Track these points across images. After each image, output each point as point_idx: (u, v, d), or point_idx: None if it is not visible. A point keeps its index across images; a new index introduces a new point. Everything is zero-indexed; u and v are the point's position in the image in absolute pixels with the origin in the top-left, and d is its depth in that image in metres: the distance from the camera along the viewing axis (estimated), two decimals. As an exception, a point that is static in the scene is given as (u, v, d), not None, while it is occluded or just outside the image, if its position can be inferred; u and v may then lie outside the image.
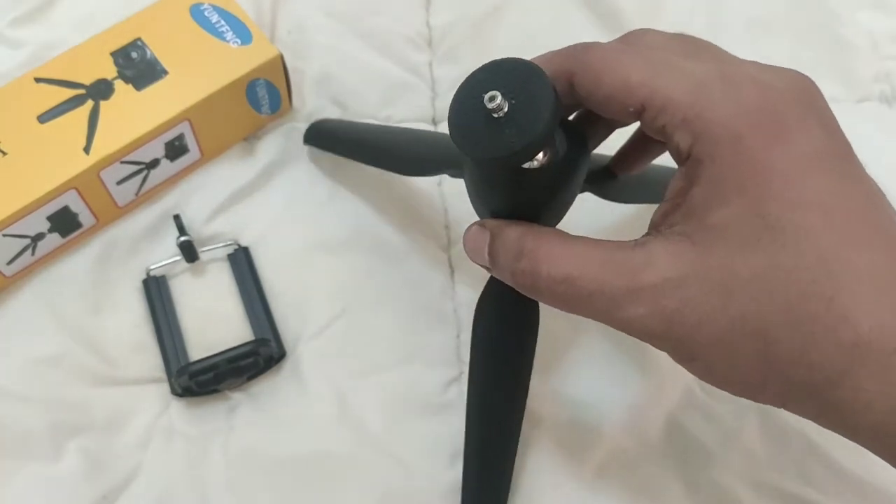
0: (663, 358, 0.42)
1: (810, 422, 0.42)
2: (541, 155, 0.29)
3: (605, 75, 0.28)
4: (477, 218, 0.36)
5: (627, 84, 0.28)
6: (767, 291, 0.26)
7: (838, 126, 0.28)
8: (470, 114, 0.28)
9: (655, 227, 0.29)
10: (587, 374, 0.45)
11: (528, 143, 0.27)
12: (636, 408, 0.44)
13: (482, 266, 0.32)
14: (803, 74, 0.29)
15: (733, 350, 0.27)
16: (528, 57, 0.52)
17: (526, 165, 0.29)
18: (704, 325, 0.27)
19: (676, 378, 0.44)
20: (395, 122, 0.51)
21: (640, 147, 0.37)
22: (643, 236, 0.29)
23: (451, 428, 0.43)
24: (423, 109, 0.52)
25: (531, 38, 0.53)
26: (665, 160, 0.50)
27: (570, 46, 0.30)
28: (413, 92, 0.52)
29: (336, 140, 0.49)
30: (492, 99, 0.27)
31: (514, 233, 0.30)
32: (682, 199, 0.28)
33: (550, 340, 0.41)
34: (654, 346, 0.29)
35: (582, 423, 0.44)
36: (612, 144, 0.43)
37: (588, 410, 0.44)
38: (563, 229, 0.35)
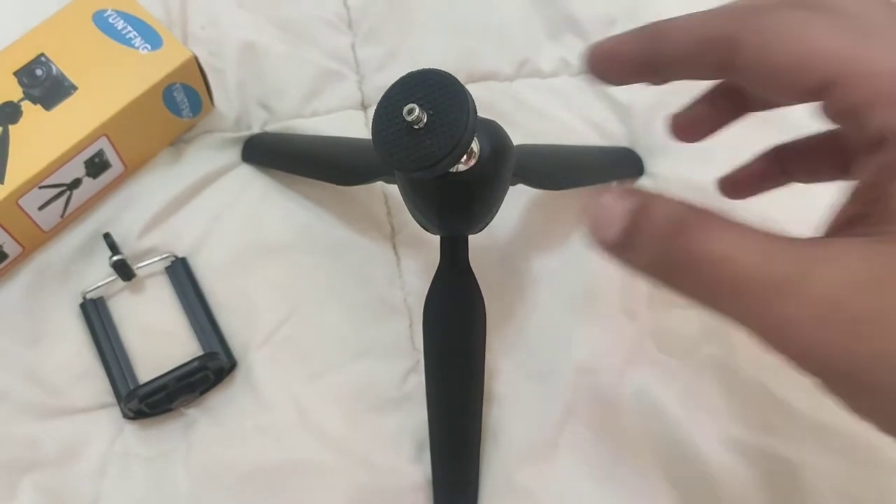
0: (608, 308, 0.41)
1: (769, 371, 0.43)
2: (465, 157, 0.30)
3: (784, 43, 0.23)
4: (414, 223, 0.36)
5: (812, 54, 0.23)
6: None
7: None
8: (392, 128, 0.29)
9: (834, 230, 0.24)
10: (538, 344, 0.44)
11: (449, 150, 0.28)
12: (595, 373, 0.44)
13: (600, 244, 0.26)
14: None
15: None
16: (448, 31, 0.51)
17: (453, 169, 0.30)
18: None
19: (626, 331, 0.44)
20: (324, 113, 0.50)
21: (767, 171, 0.32)
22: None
23: (413, 419, 0.43)
24: (350, 96, 0.50)
25: (451, 10, 0.52)
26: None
27: (731, 6, 0.26)
28: (339, 78, 0.50)
29: (272, 155, 0.48)
30: (410, 112, 0.28)
31: (671, 204, 0.25)
32: (877, 194, 0.23)
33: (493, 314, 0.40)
34: (808, 370, 0.22)
35: (543, 394, 0.43)
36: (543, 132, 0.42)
37: (547, 382, 0.44)
38: (495, 224, 0.35)
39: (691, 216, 0.24)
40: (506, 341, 0.44)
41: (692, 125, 0.32)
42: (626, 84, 0.29)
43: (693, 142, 0.33)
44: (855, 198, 0.24)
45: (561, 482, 0.42)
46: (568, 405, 0.43)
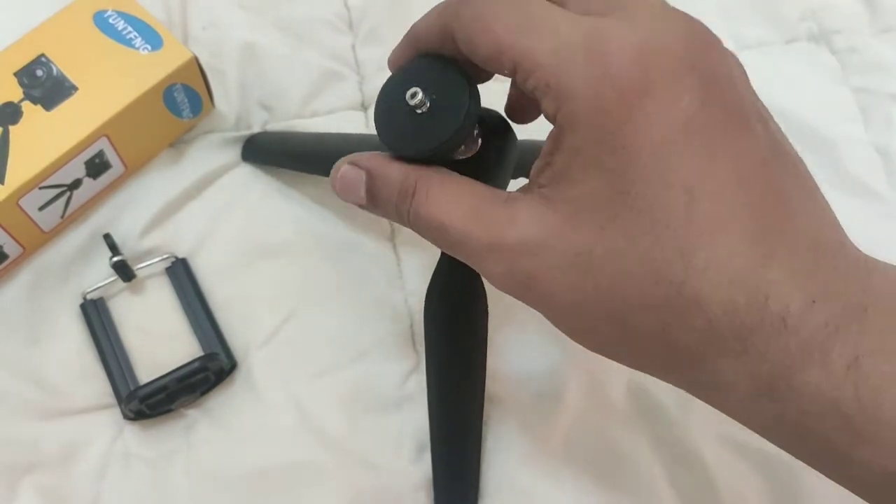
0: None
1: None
2: (466, 146, 0.30)
3: (478, 36, 0.27)
4: None
5: (498, 46, 0.27)
6: (622, 272, 0.25)
7: (729, 82, 0.26)
8: (395, 112, 0.30)
9: (529, 183, 0.28)
10: (539, 343, 0.44)
11: (451, 134, 0.28)
12: (595, 373, 0.44)
13: (355, 203, 0.31)
14: (694, 23, 0.27)
15: (590, 323, 0.27)
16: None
17: (454, 157, 0.30)
18: (559, 295, 0.26)
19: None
20: (324, 113, 0.50)
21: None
22: (517, 190, 0.28)
23: (414, 420, 0.43)
24: (351, 96, 0.50)
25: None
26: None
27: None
28: (339, 79, 0.50)
29: (273, 153, 0.48)
30: (413, 96, 0.29)
31: (396, 173, 0.29)
32: (551, 161, 0.27)
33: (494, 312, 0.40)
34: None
35: (542, 394, 0.43)
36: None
37: (546, 382, 0.44)
38: None
39: (412, 182, 0.29)
40: (507, 341, 0.44)
41: (517, 108, 0.35)
42: None
43: (526, 122, 0.35)
44: (544, 152, 0.27)
45: (561, 483, 0.42)
46: (568, 406, 0.43)
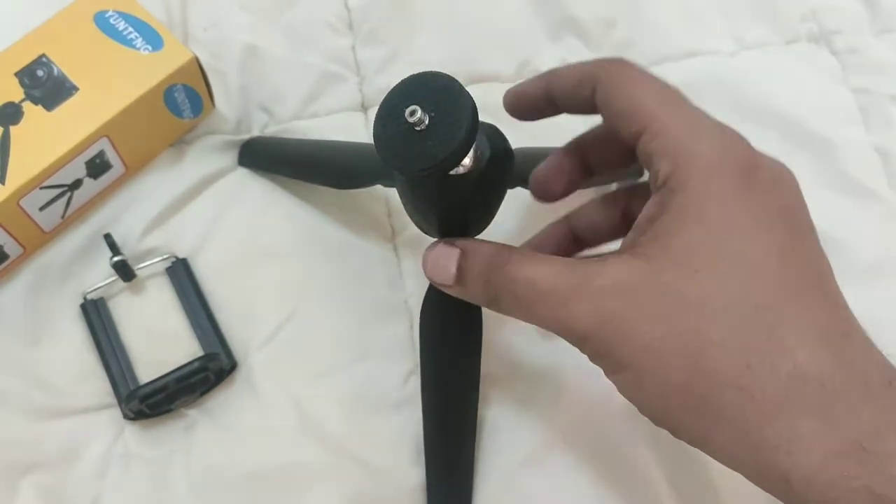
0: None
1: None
2: (466, 161, 0.30)
3: (625, 90, 0.31)
4: (412, 224, 0.36)
5: (636, 105, 0.30)
6: (712, 313, 0.27)
7: (801, 195, 0.30)
8: (393, 129, 0.29)
9: (621, 249, 0.30)
10: (536, 345, 0.44)
11: (450, 152, 0.28)
12: (594, 373, 0.43)
13: (439, 284, 0.33)
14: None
15: (663, 361, 0.27)
16: (449, 32, 0.51)
17: (452, 172, 0.30)
18: (640, 330, 0.27)
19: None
20: (324, 115, 0.50)
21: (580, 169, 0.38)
22: (608, 254, 0.30)
23: (413, 422, 0.43)
24: (351, 98, 0.50)
25: (452, 11, 0.52)
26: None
27: (604, 58, 0.33)
28: (339, 80, 0.50)
29: (269, 159, 0.48)
30: (412, 113, 0.28)
31: (490, 248, 0.32)
32: (651, 225, 0.29)
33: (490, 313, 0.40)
34: (588, 353, 0.30)
35: (540, 395, 0.43)
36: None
37: (545, 382, 0.44)
38: (492, 228, 0.35)
39: (505, 252, 0.31)
40: (504, 341, 0.44)
41: (549, 179, 0.38)
42: (532, 120, 0.36)
43: (550, 201, 0.38)
44: (643, 220, 0.30)
45: (559, 485, 0.42)
46: (566, 405, 0.43)
